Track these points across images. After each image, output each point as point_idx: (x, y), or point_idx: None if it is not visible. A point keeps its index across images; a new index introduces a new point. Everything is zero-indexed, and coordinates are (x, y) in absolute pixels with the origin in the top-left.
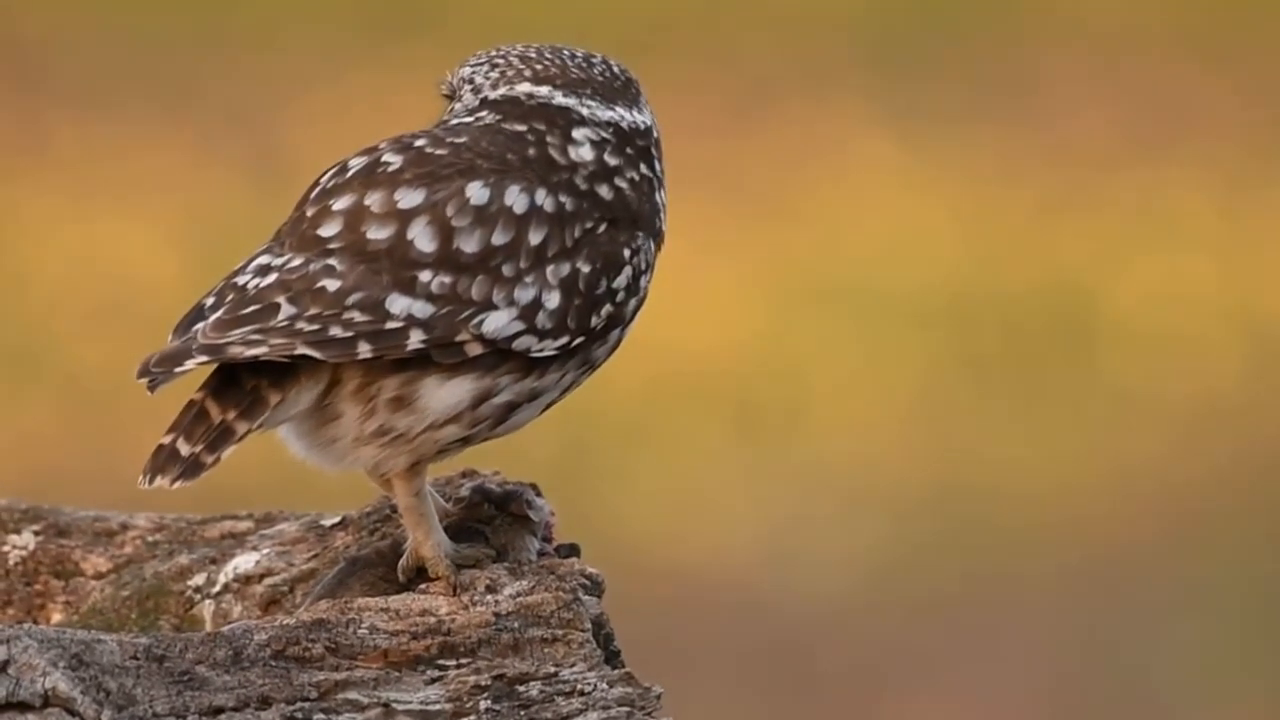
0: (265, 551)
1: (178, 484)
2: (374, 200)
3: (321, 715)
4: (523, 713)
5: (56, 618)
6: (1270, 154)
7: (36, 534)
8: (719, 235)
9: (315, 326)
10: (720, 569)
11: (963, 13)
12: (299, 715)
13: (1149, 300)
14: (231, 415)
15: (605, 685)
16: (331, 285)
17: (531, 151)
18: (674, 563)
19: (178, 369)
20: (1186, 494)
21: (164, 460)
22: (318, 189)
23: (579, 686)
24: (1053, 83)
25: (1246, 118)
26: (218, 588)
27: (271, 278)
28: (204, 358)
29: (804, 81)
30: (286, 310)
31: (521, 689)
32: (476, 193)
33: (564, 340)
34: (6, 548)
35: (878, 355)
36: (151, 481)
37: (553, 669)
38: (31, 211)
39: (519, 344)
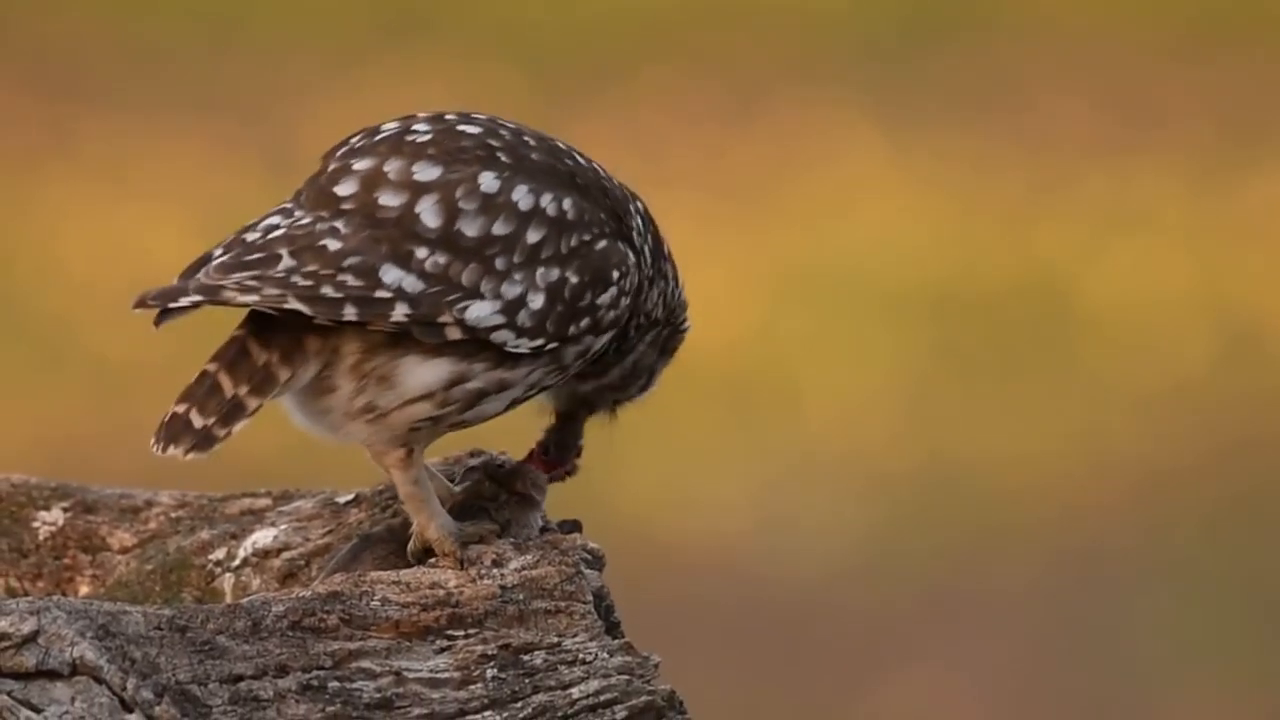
0: (283, 527)
1: (190, 455)
2: (393, 168)
3: (336, 683)
4: (527, 681)
5: (84, 590)
6: (1240, 147)
7: (65, 510)
8: (712, 232)
9: (309, 283)
10: (715, 544)
11: (944, 15)
12: (315, 683)
13: (1123, 290)
14: (244, 390)
15: (606, 654)
16: (333, 245)
17: (568, 162)
18: (671, 538)
19: (173, 304)
20: (1159, 476)
21: (179, 430)
22: (345, 147)
23: (581, 656)
24: (1030, 82)
25: (1217, 112)
26: (237, 562)
27: (279, 232)
28: (199, 297)
29: (792, 83)
30: (286, 262)
31: (526, 658)
32: (488, 182)
33: (539, 342)
34: (36, 524)
35: (865, 343)
36: (165, 450)
37: (556, 639)
38: (62, 206)
39: (497, 336)
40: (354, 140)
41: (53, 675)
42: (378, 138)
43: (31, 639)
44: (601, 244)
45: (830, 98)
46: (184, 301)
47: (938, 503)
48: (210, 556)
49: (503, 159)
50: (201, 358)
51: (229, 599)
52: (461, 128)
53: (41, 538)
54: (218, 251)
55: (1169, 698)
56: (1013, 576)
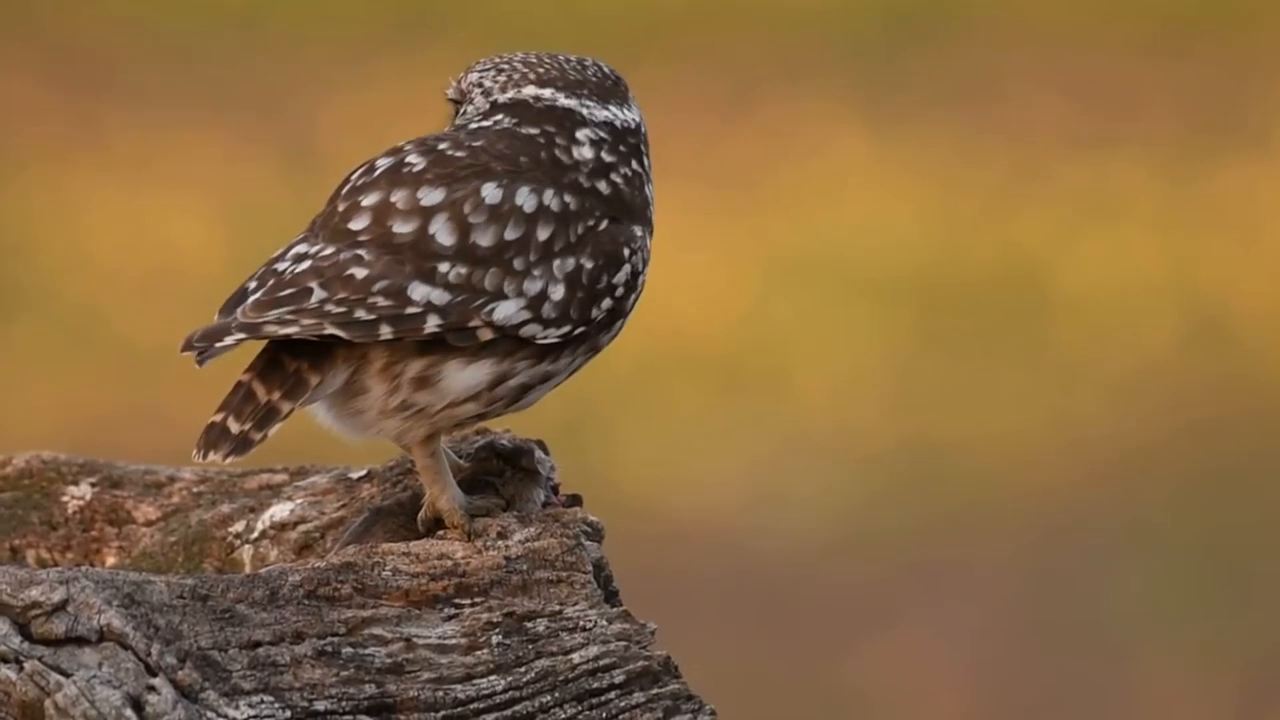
0: (299, 501)
1: (230, 459)
2: (399, 197)
3: (349, 649)
4: (530, 647)
5: (111, 561)
6: (1208, 139)
7: (93, 485)
8: (706, 220)
9: (342, 309)
10: (709, 517)
11: (926, 13)
12: (329, 649)
13: (1096, 277)
14: (276, 395)
15: (605, 622)
16: (360, 273)
17: (542, 154)
18: (667, 512)
19: (219, 344)
20: (1130, 453)
21: (216, 437)
22: (348, 186)
23: (581, 623)
24: (1008, 77)
25: (1186, 105)
26: (256, 534)
27: (306, 264)
28: (242, 335)
29: (783, 79)
30: (318, 294)
31: (529, 625)
32: (491, 193)
33: (566, 329)
34: (66, 498)
35: (851, 326)
36: (205, 456)
37: (558, 607)
38: (89, 195)
39: (525, 331)
40: (354, 178)
41: (81, 641)
42: (377, 173)
43: (61, 607)
44: (605, 224)
45: (818, 93)
46: (229, 340)
47: (921, 479)
48: (230, 529)
49: (496, 168)
50: None
51: (248, 569)
52: (441, 147)
53: (70, 511)
54: (252, 285)
55: (1140, 663)
56: (992, 549)
